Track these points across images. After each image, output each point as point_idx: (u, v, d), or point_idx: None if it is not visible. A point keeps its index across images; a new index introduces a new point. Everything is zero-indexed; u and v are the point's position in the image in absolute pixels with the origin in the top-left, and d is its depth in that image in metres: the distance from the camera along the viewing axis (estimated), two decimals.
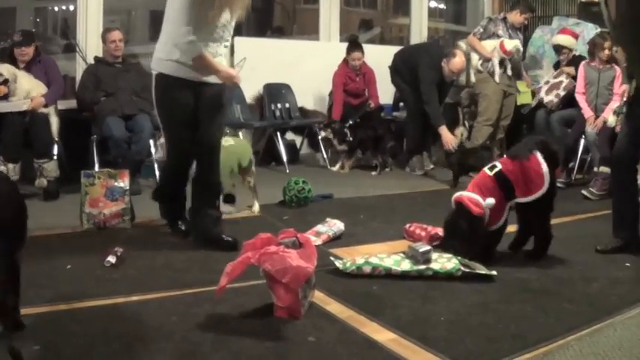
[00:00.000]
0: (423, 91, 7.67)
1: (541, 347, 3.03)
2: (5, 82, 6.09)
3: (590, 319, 3.37)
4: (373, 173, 7.97)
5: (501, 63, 7.67)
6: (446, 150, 7.51)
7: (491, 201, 4.22)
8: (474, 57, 7.89)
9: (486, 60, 7.74)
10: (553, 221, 4.46)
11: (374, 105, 8.55)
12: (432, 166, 8.18)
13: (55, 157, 6.26)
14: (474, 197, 4.27)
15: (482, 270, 4.01)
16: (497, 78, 7.65)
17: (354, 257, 4.17)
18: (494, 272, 4.00)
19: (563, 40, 7.99)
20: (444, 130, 7.49)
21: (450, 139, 7.43)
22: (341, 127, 8.07)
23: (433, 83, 7.68)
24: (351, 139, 8.03)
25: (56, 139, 6.36)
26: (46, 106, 6.30)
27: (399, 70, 8.15)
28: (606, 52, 7.21)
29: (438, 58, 7.77)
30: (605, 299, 3.69)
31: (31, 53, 6.50)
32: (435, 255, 4.15)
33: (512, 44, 7.67)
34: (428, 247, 4.17)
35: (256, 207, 5.74)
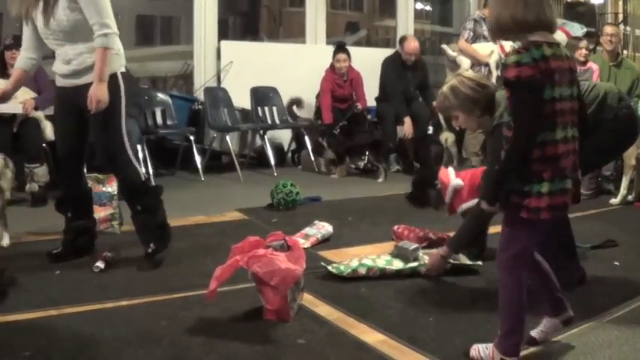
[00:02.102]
0: (386, 86, 8.49)
1: (530, 346, 3.05)
2: None
3: (579, 318, 3.39)
4: (380, 180, 7.80)
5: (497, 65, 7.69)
6: (400, 138, 8.26)
7: (458, 182, 4.32)
8: (464, 61, 7.88)
9: (478, 64, 7.73)
10: None
11: (361, 107, 8.56)
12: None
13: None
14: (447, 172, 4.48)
15: (467, 261, 4.12)
16: (494, 81, 7.66)
17: (347, 261, 4.16)
18: (479, 262, 4.06)
19: (557, 34, 7.99)
20: (407, 120, 8.17)
21: (408, 128, 8.12)
22: (331, 131, 8.05)
23: (393, 76, 8.41)
24: (337, 132, 8.04)
25: (52, 139, 6.33)
26: (36, 109, 6.28)
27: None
28: (583, 51, 7.26)
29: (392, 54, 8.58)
30: (594, 298, 3.71)
31: None
32: (422, 251, 4.20)
33: (510, 44, 7.71)
34: (415, 245, 4.21)
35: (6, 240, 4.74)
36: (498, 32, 2.84)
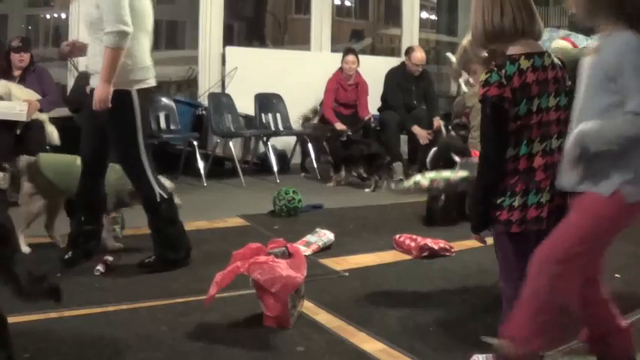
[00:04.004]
0: (388, 98, 8.60)
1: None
2: None
3: (578, 331, 3.38)
4: (367, 190, 7.61)
5: None
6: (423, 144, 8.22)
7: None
8: None
9: None
10: None
11: (368, 118, 8.56)
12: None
13: None
14: None
15: None
16: None
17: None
18: None
19: (564, 44, 8.01)
20: (415, 129, 8.26)
21: (422, 134, 8.24)
22: (335, 138, 8.00)
23: (396, 89, 8.55)
24: (344, 139, 8.02)
25: (58, 144, 6.33)
26: (41, 110, 6.29)
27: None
28: None
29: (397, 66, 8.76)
30: None
31: (28, 60, 6.50)
32: None
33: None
34: None
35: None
36: (478, 43, 2.81)
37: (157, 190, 4.26)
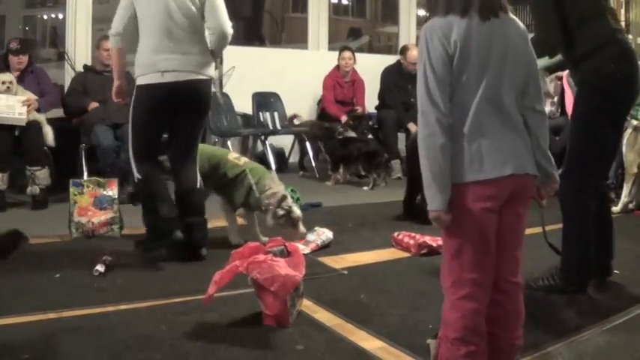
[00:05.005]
0: (385, 97, 8.69)
1: (530, 354, 3.03)
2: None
3: (579, 326, 3.39)
4: (365, 188, 7.65)
5: None
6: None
7: None
8: None
9: None
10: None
11: (361, 110, 8.59)
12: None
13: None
14: None
15: None
16: None
17: None
18: None
19: None
20: (412, 126, 8.10)
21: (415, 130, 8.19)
22: (330, 136, 8.00)
23: (392, 88, 8.60)
24: (340, 136, 8.02)
25: (53, 145, 6.34)
26: (38, 110, 6.29)
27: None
28: None
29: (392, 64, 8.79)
30: (595, 306, 3.71)
31: (26, 62, 6.50)
32: None
33: None
34: None
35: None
36: None
37: (135, 173, 4.54)
